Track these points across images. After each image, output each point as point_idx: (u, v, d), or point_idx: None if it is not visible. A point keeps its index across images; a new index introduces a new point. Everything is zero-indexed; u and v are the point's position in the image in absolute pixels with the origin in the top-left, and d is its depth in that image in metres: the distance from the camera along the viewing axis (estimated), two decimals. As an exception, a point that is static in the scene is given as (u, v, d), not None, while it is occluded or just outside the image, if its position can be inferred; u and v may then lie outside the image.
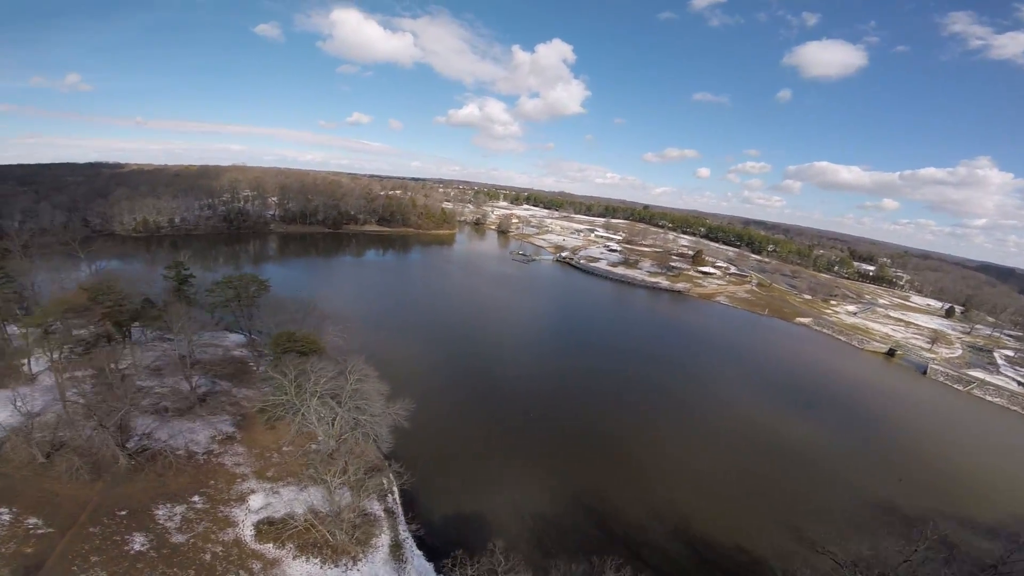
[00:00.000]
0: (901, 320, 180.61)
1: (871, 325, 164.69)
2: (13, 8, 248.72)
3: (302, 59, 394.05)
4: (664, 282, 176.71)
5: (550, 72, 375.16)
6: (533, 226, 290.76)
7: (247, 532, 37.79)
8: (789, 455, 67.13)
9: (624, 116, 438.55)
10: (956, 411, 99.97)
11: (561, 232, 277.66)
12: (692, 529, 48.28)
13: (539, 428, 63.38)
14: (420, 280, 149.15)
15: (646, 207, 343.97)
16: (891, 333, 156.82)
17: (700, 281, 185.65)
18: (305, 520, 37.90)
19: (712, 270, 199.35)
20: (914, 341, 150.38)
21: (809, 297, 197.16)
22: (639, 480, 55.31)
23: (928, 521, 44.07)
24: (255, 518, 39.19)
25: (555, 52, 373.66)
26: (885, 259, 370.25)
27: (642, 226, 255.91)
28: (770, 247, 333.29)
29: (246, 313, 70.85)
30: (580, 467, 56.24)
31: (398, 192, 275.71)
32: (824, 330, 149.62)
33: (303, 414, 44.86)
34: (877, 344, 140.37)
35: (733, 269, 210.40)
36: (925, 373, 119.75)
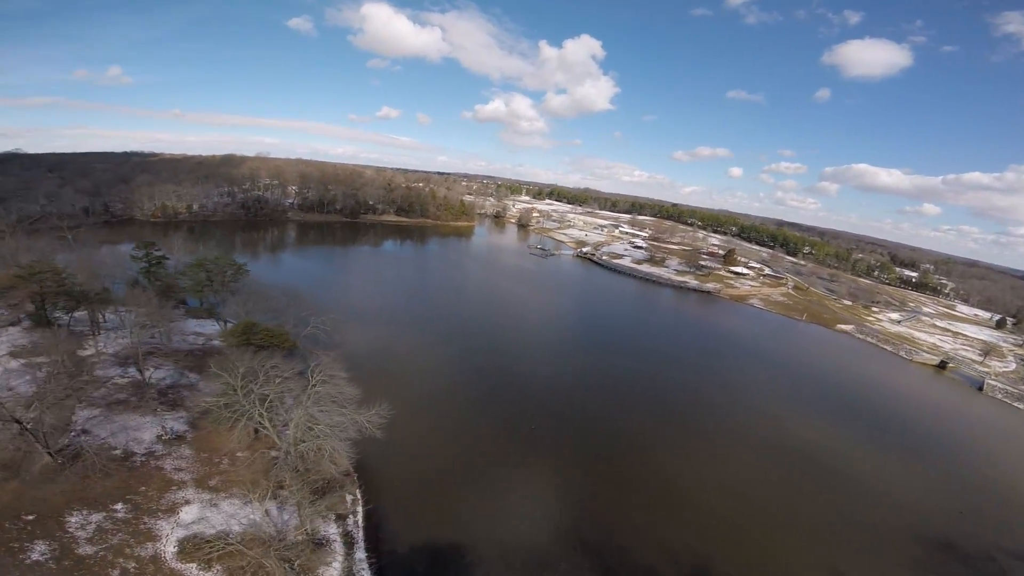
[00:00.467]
0: (948, 330, 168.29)
1: (916, 335, 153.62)
2: (59, 2, 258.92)
3: (334, 53, 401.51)
4: (692, 281, 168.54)
5: (578, 68, 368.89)
6: (554, 220, 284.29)
7: (169, 548, 33.33)
8: (833, 475, 60.41)
9: (654, 113, 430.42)
10: (1021, 434, 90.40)
11: (584, 227, 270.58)
12: (723, 561, 42.44)
13: (549, 442, 57.34)
14: (434, 273, 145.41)
15: (675, 205, 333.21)
16: (938, 344, 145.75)
17: (732, 282, 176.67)
18: (240, 540, 33.31)
19: (745, 270, 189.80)
20: (964, 353, 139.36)
21: (849, 303, 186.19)
22: (663, 510, 49.06)
23: (993, 560, 37.29)
24: (183, 533, 34.66)
25: (583, 48, 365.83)
26: (928, 265, 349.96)
27: (670, 223, 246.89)
28: (806, 249, 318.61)
29: (220, 299, 66.39)
30: (594, 490, 49.28)
31: (419, 184, 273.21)
32: (868, 338, 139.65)
33: (251, 417, 40.00)
34: (927, 355, 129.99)
35: (767, 270, 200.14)
36: (981, 389, 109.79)
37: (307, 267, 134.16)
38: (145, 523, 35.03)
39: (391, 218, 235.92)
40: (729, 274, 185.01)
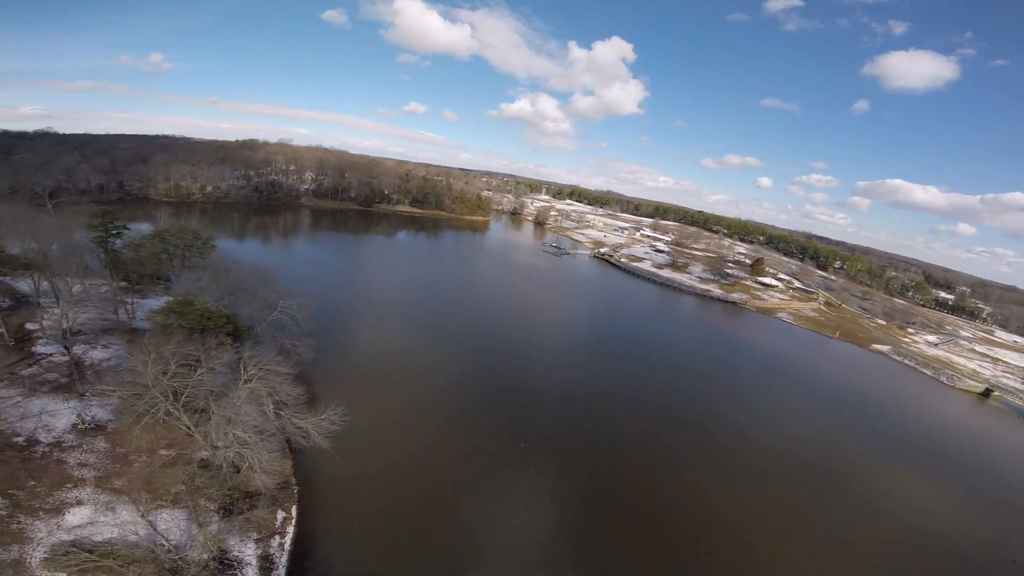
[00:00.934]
0: (988, 356, 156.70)
1: (955, 359, 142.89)
2: None
3: (365, 46, 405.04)
4: (716, 290, 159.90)
5: (607, 70, 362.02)
6: (572, 220, 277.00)
7: (38, 554, 28.43)
8: (876, 510, 52.88)
9: (684, 119, 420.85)
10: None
11: (603, 228, 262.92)
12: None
13: (548, 463, 49.58)
14: (440, 266, 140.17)
15: (699, 212, 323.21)
16: (978, 370, 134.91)
17: (759, 293, 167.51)
18: (124, 553, 27.97)
19: (773, 282, 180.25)
20: (1006, 380, 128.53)
21: (884, 322, 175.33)
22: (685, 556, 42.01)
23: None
24: (62, 538, 29.62)
25: (614, 50, 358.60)
26: (965, 288, 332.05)
27: (694, 228, 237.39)
28: (836, 263, 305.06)
29: (177, 274, 60.40)
30: (593, 528, 41.46)
31: (437, 176, 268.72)
32: (905, 360, 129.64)
33: (159, 412, 34.33)
34: (970, 382, 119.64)
35: (797, 283, 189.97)
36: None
37: (309, 253, 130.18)
38: (20, 522, 29.99)
39: (405, 208, 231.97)
40: (756, 285, 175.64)
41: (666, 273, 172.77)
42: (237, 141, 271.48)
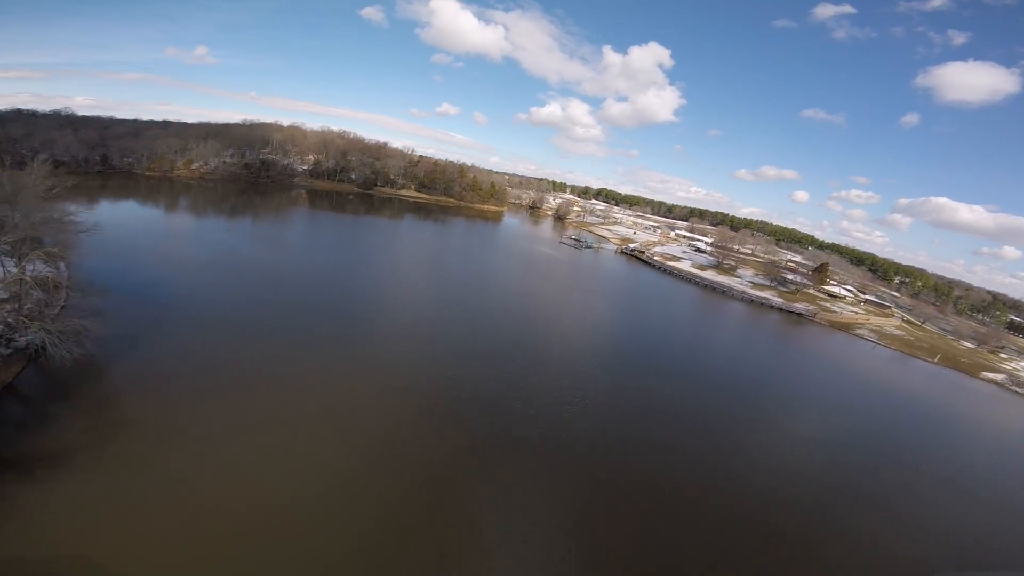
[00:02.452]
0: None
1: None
2: None
3: (401, 46, 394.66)
4: (775, 298, 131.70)
5: (642, 76, 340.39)
6: (598, 215, 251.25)
7: None
8: None
9: (720, 128, 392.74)
10: None
11: (632, 225, 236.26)
12: None
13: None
14: (440, 256, 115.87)
15: (740, 217, 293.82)
16: None
17: (827, 304, 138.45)
18: None
19: (842, 291, 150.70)
20: None
21: (972, 345, 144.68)
22: None
23: None
24: None
25: (651, 56, 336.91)
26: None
27: (739, 232, 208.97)
28: (896, 279, 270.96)
29: None
30: None
31: (448, 160, 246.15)
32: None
33: None
34: None
35: (868, 296, 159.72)
36: None
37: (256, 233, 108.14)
38: None
39: (410, 193, 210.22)
40: (821, 294, 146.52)
41: (710, 275, 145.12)
42: (244, 123, 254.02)
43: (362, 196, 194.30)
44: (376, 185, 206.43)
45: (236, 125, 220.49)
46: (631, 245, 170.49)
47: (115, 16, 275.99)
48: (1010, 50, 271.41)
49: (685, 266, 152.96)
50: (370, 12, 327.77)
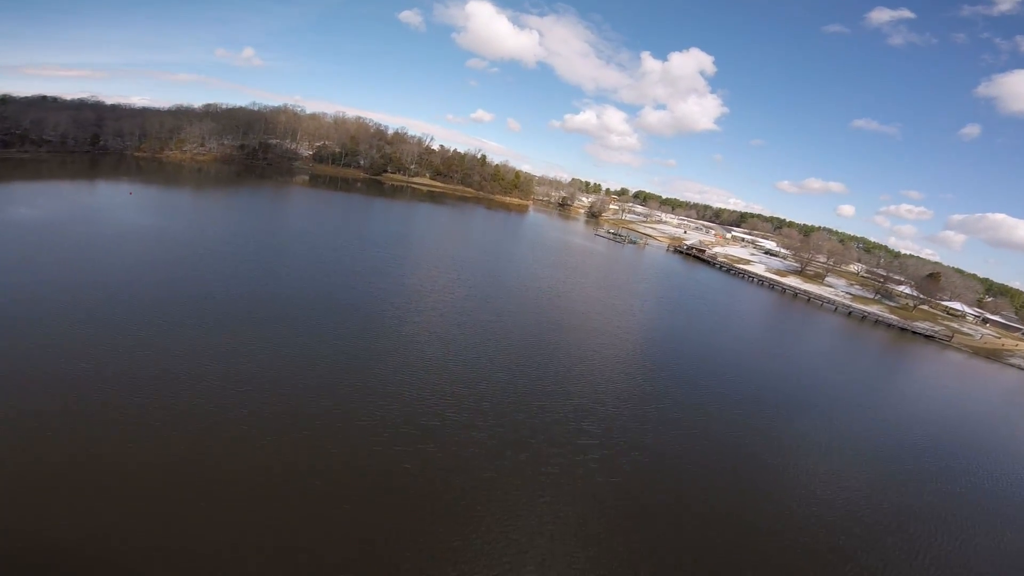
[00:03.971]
0: None
1: None
2: None
3: (438, 50, 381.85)
4: (887, 315, 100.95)
5: (683, 83, 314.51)
6: (639, 213, 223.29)
7: None
8: None
9: (763, 138, 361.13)
10: None
11: (679, 225, 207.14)
12: None
13: None
14: (455, 245, 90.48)
15: (801, 224, 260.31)
16: None
17: (953, 324, 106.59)
18: None
19: (965, 308, 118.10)
20: None
21: None
22: None
23: None
24: None
25: (692, 62, 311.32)
26: None
27: (809, 237, 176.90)
28: (989, 297, 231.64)
29: None
30: None
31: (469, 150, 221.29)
32: None
33: None
34: None
35: (994, 316, 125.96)
36: None
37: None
38: None
39: (424, 181, 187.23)
40: (937, 311, 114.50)
41: (793, 282, 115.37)
42: (247, 107, 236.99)
43: (370, 183, 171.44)
44: (386, 171, 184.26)
45: (239, 109, 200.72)
46: (687, 242, 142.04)
47: (172, 16, 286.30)
48: None
49: (759, 270, 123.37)
50: (408, 16, 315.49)
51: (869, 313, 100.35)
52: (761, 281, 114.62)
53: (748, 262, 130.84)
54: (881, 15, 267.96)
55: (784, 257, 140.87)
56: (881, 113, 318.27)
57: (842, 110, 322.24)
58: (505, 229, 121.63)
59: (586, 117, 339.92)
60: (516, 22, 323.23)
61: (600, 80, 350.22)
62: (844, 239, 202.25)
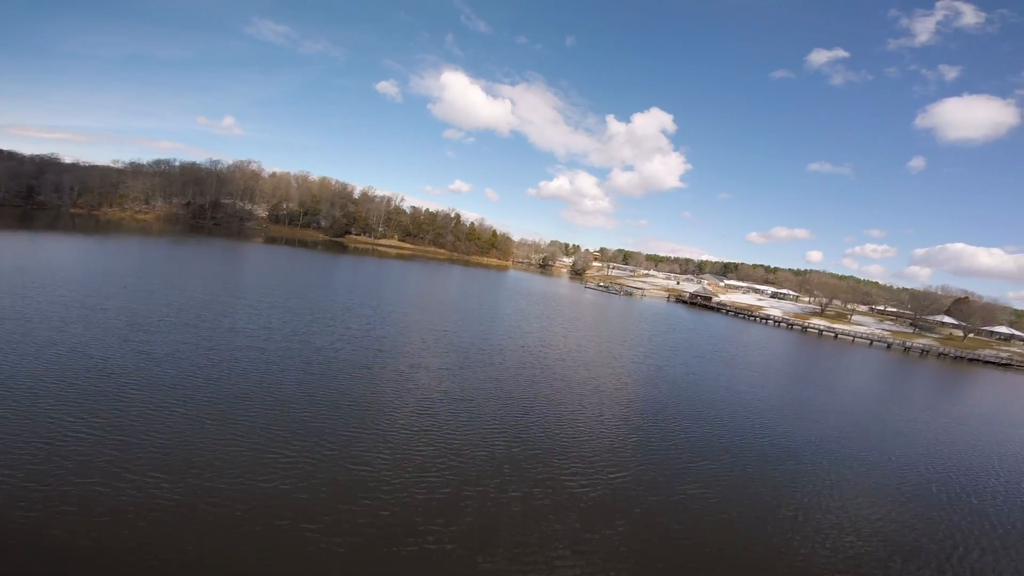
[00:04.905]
0: None
1: None
2: (204, 53, 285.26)
3: (416, 121, 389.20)
4: (938, 346, 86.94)
5: (647, 143, 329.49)
6: (624, 268, 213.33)
7: None
8: None
9: (728, 191, 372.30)
10: None
11: (669, 277, 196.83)
12: None
13: None
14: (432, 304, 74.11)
15: (777, 269, 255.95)
16: None
17: (1013, 349, 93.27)
18: None
19: (1009, 330, 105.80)
20: None
21: None
22: None
23: None
24: None
25: (653, 121, 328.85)
26: None
27: (809, 279, 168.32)
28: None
29: None
30: None
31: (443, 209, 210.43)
32: None
33: None
34: None
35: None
36: None
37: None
38: None
39: (391, 243, 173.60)
40: (981, 336, 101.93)
41: (821, 323, 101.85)
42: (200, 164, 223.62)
43: (330, 245, 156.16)
44: (349, 233, 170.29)
45: (192, 166, 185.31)
46: (690, 290, 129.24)
47: (157, 82, 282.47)
48: (1002, 80, 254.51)
49: (775, 313, 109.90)
50: (385, 86, 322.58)
51: (923, 346, 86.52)
52: (780, 323, 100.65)
53: (759, 307, 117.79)
54: (820, 56, 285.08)
55: (794, 299, 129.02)
56: (833, 155, 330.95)
57: (798, 155, 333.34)
58: (488, 283, 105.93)
59: (560, 183, 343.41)
60: (489, 91, 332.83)
61: (570, 145, 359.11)
62: (839, 279, 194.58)
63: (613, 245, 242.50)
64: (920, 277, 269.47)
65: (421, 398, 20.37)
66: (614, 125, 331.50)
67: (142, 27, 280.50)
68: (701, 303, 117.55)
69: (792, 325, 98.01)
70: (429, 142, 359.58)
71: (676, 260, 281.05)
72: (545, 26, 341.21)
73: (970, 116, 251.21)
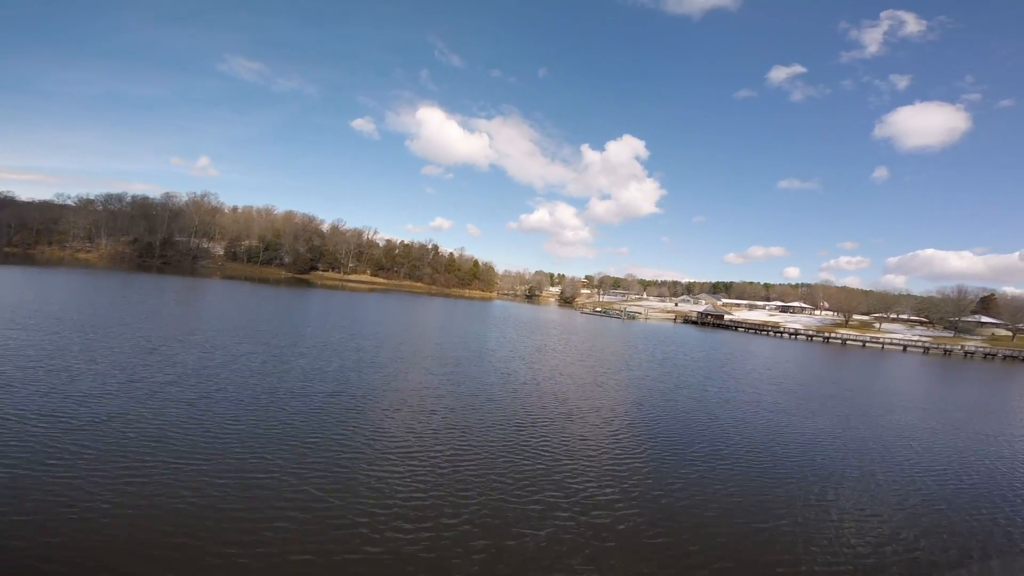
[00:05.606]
0: None
1: None
2: (181, 93, 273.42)
3: (393, 158, 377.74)
4: (987, 346, 76.82)
5: (622, 170, 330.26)
6: (616, 292, 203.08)
7: None
8: None
9: (703, 214, 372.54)
10: None
11: (666, 299, 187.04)
12: None
13: None
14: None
15: (769, 285, 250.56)
16: None
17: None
18: None
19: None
20: None
21: None
22: None
23: None
24: None
25: (627, 149, 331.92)
26: None
27: (816, 291, 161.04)
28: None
29: None
30: None
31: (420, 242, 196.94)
32: None
33: None
34: None
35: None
36: None
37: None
38: None
39: (362, 279, 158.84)
40: (1009, 332, 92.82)
41: (850, 333, 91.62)
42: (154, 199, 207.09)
43: (294, 281, 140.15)
44: (316, 269, 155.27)
45: (143, 200, 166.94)
46: (698, 309, 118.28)
47: (132, 122, 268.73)
48: (949, 86, 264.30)
49: (794, 327, 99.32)
50: (361, 124, 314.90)
51: (969, 348, 76.20)
52: (811, 336, 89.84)
53: (776, 323, 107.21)
54: (779, 73, 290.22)
55: (810, 312, 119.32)
56: (800, 171, 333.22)
57: (767, 173, 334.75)
58: (471, 313, 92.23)
59: (540, 215, 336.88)
60: (466, 126, 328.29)
61: (548, 177, 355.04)
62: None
63: (595, 273, 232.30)
64: (895, 285, 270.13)
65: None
66: (589, 154, 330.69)
67: (116, 64, 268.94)
68: (713, 322, 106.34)
69: (828, 338, 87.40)
70: (408, 179, 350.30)
71: (664, 283, 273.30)
72: (518, 58, 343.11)
73: (924, 123, 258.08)
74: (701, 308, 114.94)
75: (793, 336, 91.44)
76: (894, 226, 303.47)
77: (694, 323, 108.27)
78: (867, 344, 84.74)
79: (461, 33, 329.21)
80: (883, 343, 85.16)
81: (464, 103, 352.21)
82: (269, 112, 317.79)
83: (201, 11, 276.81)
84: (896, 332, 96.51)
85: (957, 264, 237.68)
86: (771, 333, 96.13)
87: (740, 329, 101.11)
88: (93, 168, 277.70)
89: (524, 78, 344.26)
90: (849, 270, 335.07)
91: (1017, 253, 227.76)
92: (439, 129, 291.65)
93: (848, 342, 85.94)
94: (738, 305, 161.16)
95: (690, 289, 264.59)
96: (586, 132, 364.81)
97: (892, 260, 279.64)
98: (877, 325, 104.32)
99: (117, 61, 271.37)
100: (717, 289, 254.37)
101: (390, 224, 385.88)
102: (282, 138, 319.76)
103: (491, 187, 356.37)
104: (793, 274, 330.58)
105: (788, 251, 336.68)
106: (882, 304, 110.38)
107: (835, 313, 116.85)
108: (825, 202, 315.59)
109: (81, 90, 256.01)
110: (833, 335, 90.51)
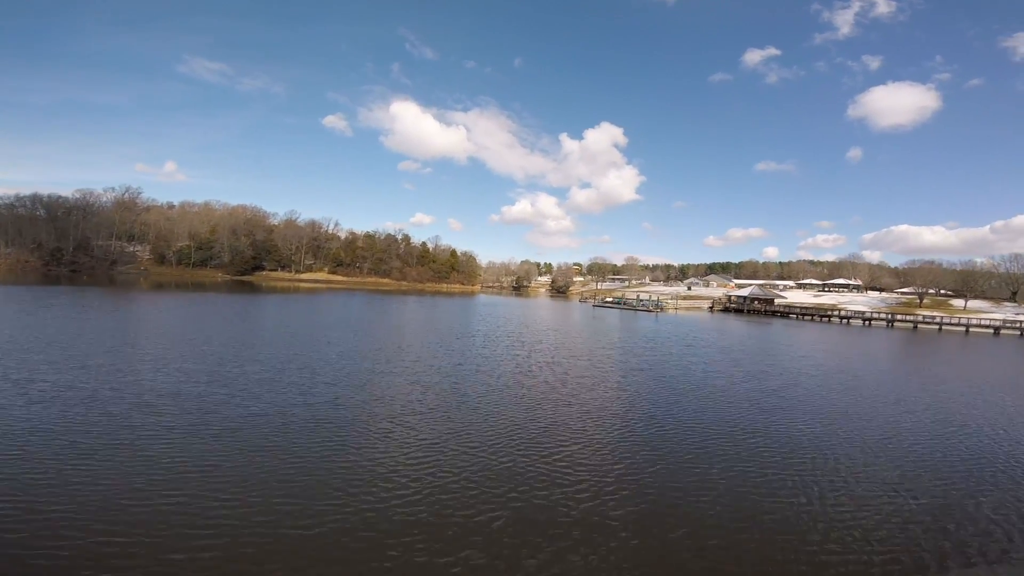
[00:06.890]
0: None
1: None
2: (144, 100, 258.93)
3: (368, 155, 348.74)
4: None
5: (601, 158, 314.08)
6: (616, 279, 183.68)
7: None
8: None
9: (683, 199, 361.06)
10: None
11: (670, 284, 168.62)
12: None
13: None
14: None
15: (768, 264, 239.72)
16: None
17: None
18: None
19: None
20: None
21: None
22: None
23: None
24: None
25: (605, 136, 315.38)
26: None
27: (842, 267, 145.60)
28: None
29: None
30: None
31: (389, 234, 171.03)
32: None
33: None
34: None
35: None
36: None
37: None
38: None
39: (317, 276, 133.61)
40: None
41: (935, 314, 74.16)
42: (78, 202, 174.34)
43: (234, 285, 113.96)
44: (261, 268, 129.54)
45: (54, 199, 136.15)
46: (737, 294, 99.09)
47: (94, 130, 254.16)
48: (919, 66, 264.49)
49: (859, 309, 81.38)
50: (332, 120, 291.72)
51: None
52: (890, 322, 71.80)
53: (834, 305, 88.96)
54: (754, 56, 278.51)
55: (862, 290, 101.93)
56: (777, 153, 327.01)
57: (745, 156, 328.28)
58: (436, 314, 69.67)
59: (522, 207, 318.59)
60: (442, 119, 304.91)
61: (528, 167, 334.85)
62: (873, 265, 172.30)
63: (592, 258, 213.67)
64: (871, 260, 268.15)
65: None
66: (568, 143, 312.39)
67: (74, 71, 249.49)
68: (760, 308, 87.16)
69: (915, 323, 69.65)
70: (385, 176, 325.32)
71: (656, 267, 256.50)
72: (493, 49, 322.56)
73: (896, 103, 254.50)
74: (745, 292, 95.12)
75: (867, 323, 73.60)
76: (869, 204, 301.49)
77: (736, 311, 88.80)
78: (943, 328, 69.15)
79: (433, 25, 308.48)
80: (967, 326, 68.95)
81: (439, 96, 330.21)
82: (236, 113, 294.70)
83: (159, 14, 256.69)
84: (983, 311, 79.58)
85: (931, 239, 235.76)
86: (831, 319, 78.22)
87: (794, 315, 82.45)
88: (56, 179, 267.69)
89: (500, 69, 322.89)
90: (826, 248, 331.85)
91: (988, 226, 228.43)
92: (414, 123, 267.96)
93: (942, 326, 68.52)
94: (777, 286, 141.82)
95: (684, 272, 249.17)
96: (564, 121, 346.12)
97: (867, 237, 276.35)
98: (954, 303, 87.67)
99: (75, 67, 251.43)
100: (714, 270, 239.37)
101: (368, 222, 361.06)
102: (251, 139, 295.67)
103: (471, 180, 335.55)
104: (772, 254, 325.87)
105: (767, 232, 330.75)
106: (964, 281, 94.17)
107: (883, 291, 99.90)
108: (801, 183, 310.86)
109: (38, 98, 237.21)
110: (921, 318, 73.30)
